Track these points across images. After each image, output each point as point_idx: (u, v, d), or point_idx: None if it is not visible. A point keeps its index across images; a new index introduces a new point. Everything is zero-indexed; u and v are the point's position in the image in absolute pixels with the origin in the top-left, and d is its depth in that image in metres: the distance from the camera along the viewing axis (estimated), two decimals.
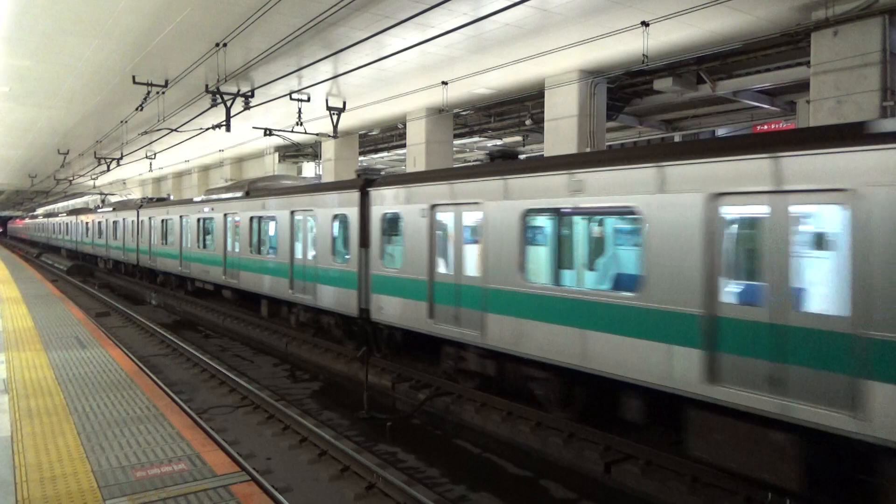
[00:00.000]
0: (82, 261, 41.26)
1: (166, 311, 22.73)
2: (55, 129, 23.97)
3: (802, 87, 13.74)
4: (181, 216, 23.37)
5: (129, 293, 27.97)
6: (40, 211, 76.18)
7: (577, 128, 15.08)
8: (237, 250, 18.55)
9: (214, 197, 20.84)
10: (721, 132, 20.44)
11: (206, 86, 15.39)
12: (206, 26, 12.08)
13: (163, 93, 16.30)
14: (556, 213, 8.94)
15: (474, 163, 10.74)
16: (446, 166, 18.56)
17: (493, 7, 9.94)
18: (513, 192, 9.17)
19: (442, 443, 9.43)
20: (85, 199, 61.56)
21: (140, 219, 28.47)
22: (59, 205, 68.54)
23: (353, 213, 12.83)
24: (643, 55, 11.98)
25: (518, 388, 9.76)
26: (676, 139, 20.74)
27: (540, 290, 8.79)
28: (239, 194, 18.78)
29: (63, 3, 11.20)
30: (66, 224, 48.50)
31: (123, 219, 31.36)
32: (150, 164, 31.49)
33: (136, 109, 17.61)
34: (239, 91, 15.63)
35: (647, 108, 18.74)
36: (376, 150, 28.05)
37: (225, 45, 12.79)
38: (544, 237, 9.50)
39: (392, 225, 12.05)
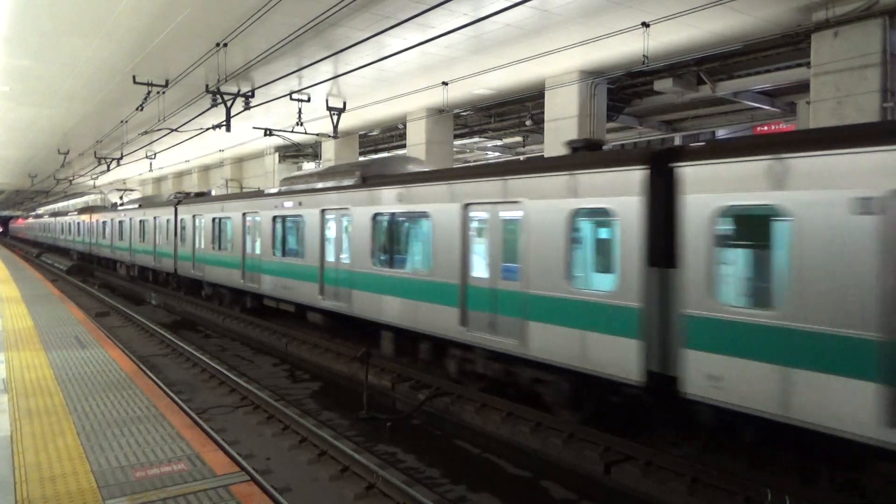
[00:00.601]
0: (97, 265, 37.79)
1: (166, 311, 22.72)
2: (55, 129, 23.99)
3: (803, 88, 13.76)
4: (244, 213, 18.02)
5: (128, 293, 27.97)
6: (46, 209, 73.82)
7: (577, 128, 15.10)
8: (347, 261, 13.28)
9: (303, 187, 15.29)
10: (721, 133, 20.46)
11: (207, 86, 15.40)
12: (207, 26, 12.09)
13: (163, 93, 16.31)
14: None
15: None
16: (446, 167, 18.43)
17: (494, 7, 9.95)
18: None
19: (442, 443, 9.42)
20: (86, 198, 61.22)
21: (179, 217, 23.23)
22: (68, 202, 65.84)
23: (627, 208, 7.71)
24: (643, 56, 11.99)
25: None
26: (676, 140, 20.76)
27: None
28: (348, 182, 13.39)
29: (63, 3, 11.21)
30: (78, 224, 42.31)
31: (154, 218, 25.90)
32: (150, 164, 31.51)
33: (137, 109, 17.63)
34: (239, 91, 15.64)
35: (647, 109, 18.74)
36: (376, 151, 28.10)
37: (225, 45, 12.80)
38: None
39: (746, 228, 7.07)
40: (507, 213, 9.46)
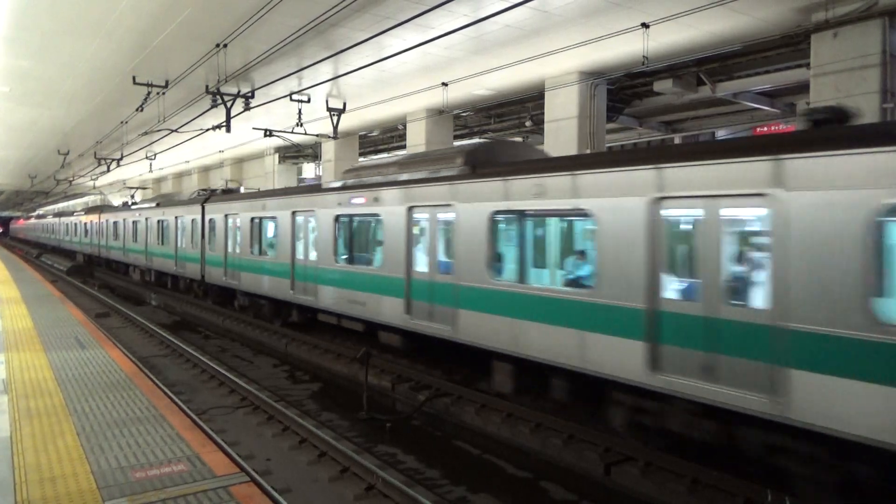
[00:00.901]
0: (107, 268, 35.76)
1: (166, 312, 22.71)
2: (55, 129, 24.01)
3: (802, 88, 13.77)
4: (294, 213, 15.22)
5: (128, 294, 27.96)
6: (48, 209, 72.86)
7: (577, 129, 15.12)
8: (448, 272, 10.44)
9: (378, 180, 12.31)
10: (721, 134, 20.47)
11: (207, 86, 15.41)
12: (207, 27, 12.09)
13: (163, 93, 16.32)
14: None
15: None
16: None
17: (494, 8, 9.95)
18: None
19: (442, 444, 9.42)
20: (86, 199, 61.10)
21: (207, 217, 20.51)
22: (69, 203, 65.11)
23: None
24: (643, 56, 12.00)
25: None
26: (676, 141, 20.77)
27: None
28: (448, 172, 10.54)
29: (63, 3, 11.22)
30: (86, 225, 39.19)
31: (176, 218, 23.03)
32: (150, 164, 31.52)
33: (137, 110, 17.65)
34: (239, 92, 15.66)
35: (647, 110, 18.76)
36: (376, 151, 28.13)
37: (225, 45, 12.81)
38: None
39: None
40: (734, 211, 6.67)
